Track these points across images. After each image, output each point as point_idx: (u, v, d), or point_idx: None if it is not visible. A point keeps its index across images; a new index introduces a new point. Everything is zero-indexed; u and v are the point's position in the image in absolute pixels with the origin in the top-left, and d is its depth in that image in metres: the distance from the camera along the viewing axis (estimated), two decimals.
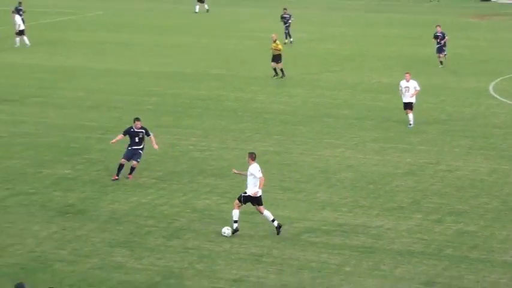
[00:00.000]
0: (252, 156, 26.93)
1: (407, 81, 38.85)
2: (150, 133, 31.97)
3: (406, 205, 29.42)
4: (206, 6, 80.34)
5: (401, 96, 39.28)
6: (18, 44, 61.60)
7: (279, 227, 26.65)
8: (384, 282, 23.39)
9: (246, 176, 26.89)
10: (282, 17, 62.03)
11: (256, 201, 26.65)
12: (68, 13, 79.42)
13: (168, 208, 29.09)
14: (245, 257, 25.10)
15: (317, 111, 42.54)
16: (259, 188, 26.48)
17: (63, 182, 31.79)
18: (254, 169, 26.60)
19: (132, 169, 31.72)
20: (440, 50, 53.43)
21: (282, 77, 49.93)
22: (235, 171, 27.95)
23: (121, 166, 31.55)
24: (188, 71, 52.34)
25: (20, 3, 66.71)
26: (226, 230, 26.60)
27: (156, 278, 23.76)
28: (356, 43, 63.68)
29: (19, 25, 61.79)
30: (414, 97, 38.90)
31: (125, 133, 31.80)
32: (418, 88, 38.91)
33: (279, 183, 31.69)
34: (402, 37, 65.70)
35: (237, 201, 26.81)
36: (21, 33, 61.87)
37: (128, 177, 31.69)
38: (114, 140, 32.22)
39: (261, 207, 26.71)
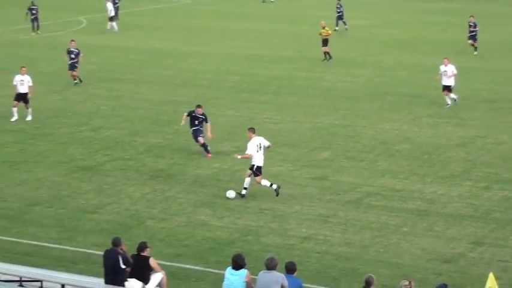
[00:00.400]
0: (252, 131, 27.10)
1: (446, 65, 38.20)
2: (208, 121, 31.22)
3: (457, 173, 29.06)
4: None
5: (440, 79, 38.61)
6: (109, 28, 61.70)
7: (277, 188, 26.56)
8: (437, 242, 23.15)
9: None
10: (336, 7, 61.36)
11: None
12: (160, 2, 79.48)
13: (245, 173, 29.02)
14: (313, 218, 25.00)
15: (378, 89, 42.15)
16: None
17: (154, 150, 31.90)
18: (260, 142, 26.86)
19: (205, 146, 31.10)
20: (472, 37, 52.12)
21: (328, 60, 49.29)
22: (238, 156, 27.41)
23: (203, 144, 31.03)
24: (264, 53, 52.11)
25: (32, 1, 66.61)
26: (232, 193, 26.62)
27: (235, 234, 23.77)
28: (413, 29, 62.91)
29: (110, 10, 61.87)
30: (452, 80, 38.16)
31: (188, 115, 31.41)
32: (455, 72, 38.14)
33: (344, 152, 31.46)
34: (454, 24, 64.67)
35: (248, 171, 26.81)
36: (111, 19, 61.94)
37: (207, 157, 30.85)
38: (182, 122, 31.78)
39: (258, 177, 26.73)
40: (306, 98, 40.29)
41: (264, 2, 79.17)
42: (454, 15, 69.37)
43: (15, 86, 35.73)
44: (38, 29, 59.69)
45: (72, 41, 42.55)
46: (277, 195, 26.45)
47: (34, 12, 59.90)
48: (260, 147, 26.92)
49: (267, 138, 27.50)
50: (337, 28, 60.44)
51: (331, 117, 36.34)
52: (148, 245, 18.96)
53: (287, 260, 17.92)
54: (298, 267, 17.65)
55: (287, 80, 44.65)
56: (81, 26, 63.62)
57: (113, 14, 61.91)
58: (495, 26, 62.62)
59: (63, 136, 33.77)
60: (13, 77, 36.13)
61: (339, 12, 61.10)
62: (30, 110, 35.48)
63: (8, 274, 19.54)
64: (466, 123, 35.81)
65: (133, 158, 30.84)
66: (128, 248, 19.35)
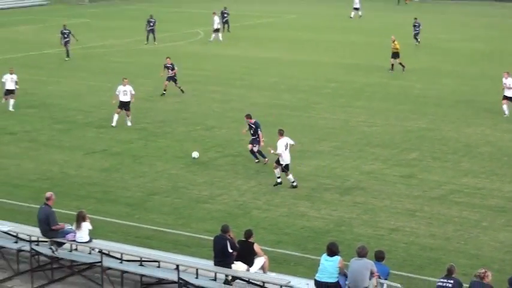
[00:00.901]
0: (280, 132, 27.30)
1: (506, 78, 37.25)
2: (259, 131, 30.27)
3: None
4: (360, 13, 78.73)
5: (503, 90, 37.59)
6: (211, 40, 62.05)
7: (295, 186, 26.90)
8: None
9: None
10: (413, 25, 60.24)
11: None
12: (266, 16, 79.70)
13: (341, 171, 28.93)
14: (402, 212, 24.76)
15: (463, 97, 41.46)
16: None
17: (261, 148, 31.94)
18: (287, 141, 27.09)
19: (259, 152, 30.26)
20: None
21: (403, 70, 48.53)
22: (272, 151, 27.40)
23: (251, 151, 30.23)
24: (360, 63, 51.77)
25: (225, 7, 67.29)
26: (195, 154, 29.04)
27: (330, 225, 23.70)
28: (493, 42, 61.64)
29: (217, 23, 62.27)
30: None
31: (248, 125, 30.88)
32: None
33: (431, 153, 31.05)
34: None
35: (275, 164, 27.15)
36: (216, 31, 62.30)
37: (265, 163, 29.94)
38: (243, 131, 31.12)
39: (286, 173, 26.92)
40: (397, 104, 39.90)
41: (351, 18, 78.20)
42: None
43: (117, 96, 35.37)
44: (154, 40, 60.28)
45: (168, 58, 42.25)
46: (293, 187, 26.82)
47: (151, 24, 60.66)
48: (287, 146, 27.01)
49: (292, 138, 27.84)
50: (418, 42, 59.81)
51: (419, 122, 35.90)
52: (253, 232, 19.05)
53: (376, 249, 17.87)
54: (386, 255, 17.57)
55: (380, 87, 44.29)
56: (199, 37, 64.18)
57: (218, 26, 62.27)
58: None
59: (180, 134, 34.17)
60: (116, 88, 35.82)
61: (415, 30, 59.98)
62: (130, 117, 35.34)
63: (130, 254, 19.90)
64: None
65: (241, 155, 30.98)
66: (235, 234, 19.47)
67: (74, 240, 20.23)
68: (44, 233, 20.38)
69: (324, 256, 17.33)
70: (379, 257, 17.32)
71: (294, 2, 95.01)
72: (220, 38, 62.31)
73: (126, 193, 26.53)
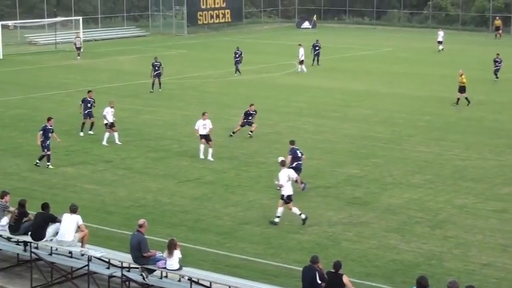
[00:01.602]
0: (282, 163, 27.20)
1: None
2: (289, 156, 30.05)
3: None
4: (441, 47, 77.73)
5: None
6: (299, 71, 62.35)
7: (305, 218, 26.37)
8: None
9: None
10: (494, 61, 58.74)
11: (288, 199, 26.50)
12: (365, 49, 79.56)
13: (434, 204, 28.56)
14: (494, 246, 24.31)
15: None
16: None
17: (352, 179, 31.85)
18: (289, 173, 26.73)
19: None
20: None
21: (467, 104, 47.69)
22: (276, 182, 27.08)
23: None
24: (453, 96, 51.01)
25: (317, 40, 67.37)
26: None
27: (420, 258, 23.40)
28: None
29: (302, 55, 62.48)
30: None
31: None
32: None
33: None
34: None
35: (281, 201, 26.51)
36: (301, 62, 62.58)
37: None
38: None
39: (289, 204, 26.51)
40: (492, 138, 39.22)
41: (439, 51, 77.34)
42: None
43: (197, 130, 35.35)
44: (238, 72, 60.57)
45: (251, 105, 41.28)
46: (303, 224, 26.20)
47: (237, 56, 61.15)
48: (289, 178, 26.54)
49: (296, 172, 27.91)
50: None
51: None
52: (342, 263, 18.94)
53: (467, 284, 17.51)
54: None
55: (475, 121, 43.64)
56: (294, 69, 64.42)
57: (303, 58, 62.49)
58: None
59: (273, 164, 34.18)
60: (196, 122, 35.71)
61: (497, 66, 58.34)
62: (211, 150, 35.12)
63: (219, 283, 20.01)
64: None
65: (333, 186, 30.90)
66: (324, 265, 19.40)
67: (165, 268, 20.46)
68: (136, 259, 20.68)
69: None
70: None
71: (388, 36, 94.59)
72: (305, 70, 62.53)
73: (217, 222, 26.70)
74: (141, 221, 21.07)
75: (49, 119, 34.05)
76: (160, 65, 53.11)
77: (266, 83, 57.21)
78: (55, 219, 22.10)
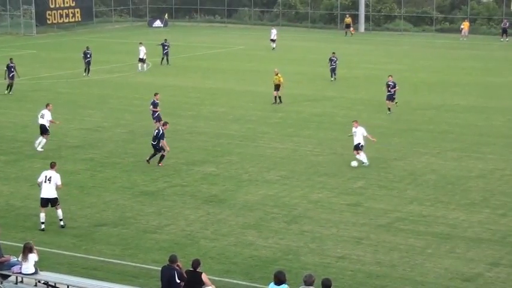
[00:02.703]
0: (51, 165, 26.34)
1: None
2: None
3: (477, 201, 28.83)
4: (273, 45, 78.85)
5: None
6: (139, 69, 62.44)
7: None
8: (458, 263, 22.97)
9: None
10: (330, 59, 58.79)
11: None
12: (217, 47, 79.90)
13: (289, 200, 29.02)
14: (348, 239, 24.90)
15: (408, 126, 41.93)
16: None
17: (209, 177, 31.99)
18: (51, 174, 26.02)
19: None
20: (390, 97, 45.57)
21: (276, 103, 48.34)
22: None
23: None
24: (308, 93, 52.02)
25: (165, 39, 67.11)
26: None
27: (278, 253, 23.73)
28: (441, 73, 62.40)
29: (144, 53, 62.47)
30: None
31: None
32: None
33: (376, 182, 31.33)
34: (476, 69, 64.30)
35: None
36: (142, 60, 62.63)
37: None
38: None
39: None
40: (344, 133, 40.04)
41: (273, 49, 78.70)
42: (477, 61, 69.02)
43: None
44: (88, 72, 59.55)
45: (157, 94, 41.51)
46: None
47: (88, 56, 59.71)
48: (49, 179, 25.77)
49: None
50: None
51: (366, 150, 36.05)
52: (200, 262, 19.00)
53: (323, 277, 17.84)
54: (333, 283, 17.53)
55: (327, 117, 44.58)
56: (148, 68, 64.06)
57: (144, 57, 62.46)
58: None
59: (128, 165, 34.00)
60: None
61: (332, 64, 58.05)
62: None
63: (77, 286, 19.70)
64: (486, 156, 35.45)
65: (189, 185, 30.94)
66: (183, 264, 19.41)
67: (20, 272, 20.00)
68: None
69: (272, 285, 17.33)
70: (326, 284, 17.32)
71: (240, 34, 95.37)
72: (145, 68, 62.55)
73: (73, 224, 26.27)
74: None
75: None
76: (14, 66, 51.71)
77: (119, 83, 56.72)
78: None
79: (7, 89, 51.17)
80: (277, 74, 48.86)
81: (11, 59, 53.16)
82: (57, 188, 25.96)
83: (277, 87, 48.61)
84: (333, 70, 57.66)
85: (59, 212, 25.92)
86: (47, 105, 37.14)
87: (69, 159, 34.67)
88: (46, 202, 25.74)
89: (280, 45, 79.06)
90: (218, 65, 66.71)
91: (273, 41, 78.74)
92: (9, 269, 20.16)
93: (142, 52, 62.46)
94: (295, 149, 36.81)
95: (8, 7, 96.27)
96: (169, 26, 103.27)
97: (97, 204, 28.44)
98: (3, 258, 20.24)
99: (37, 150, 35.85)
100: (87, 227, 25.98)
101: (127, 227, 26.03)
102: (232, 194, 29.77)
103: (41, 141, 36.11)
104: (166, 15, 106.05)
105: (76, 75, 59.68)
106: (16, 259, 20.33)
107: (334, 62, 57.67)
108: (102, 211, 27.63)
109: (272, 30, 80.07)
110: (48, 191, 25.80)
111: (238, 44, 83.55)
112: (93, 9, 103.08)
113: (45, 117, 36.35)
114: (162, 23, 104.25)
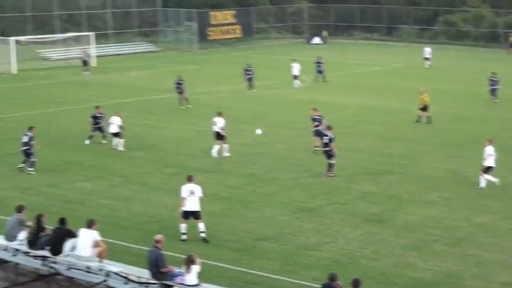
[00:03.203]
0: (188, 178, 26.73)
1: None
2: None
3: None
4: (428, 63, 77.21)
5: None
6: (295, 85, 62.84)
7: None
8: None
9: None
10: (490, 79, 56.41)
11: None
12: (374, 65, 79.47)
13: (451, 222, 28.39)
14: None
15: None
16: None
17: (368, 196, 31.72)
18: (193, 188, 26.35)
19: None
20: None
21: (426, 122, 47.46)
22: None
23: None
24: (469, 112, 50.81)
25: (319, 57, 67.17)
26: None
27: (439, 276, 23.26)
28: None
29: (296, 70, 63.00)
30: None
31: None
32: None
33: None
34: None
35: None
36: (295, 77, 63.19)
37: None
38: None
39: None
40: (510, 155, 38.79)
41: (426, 68, 76.94)
42: None
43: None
44: (251, 88, 60.49)
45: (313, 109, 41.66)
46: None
47: (249, 73, 60.97)
48: (193, 193, 26.20)
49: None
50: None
51: None
52: (360, 281, 18.83)
53: None
54: None
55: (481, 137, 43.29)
56: (305, 85, 64.39)
57: (297, 73, 62.93)
58: None
59: (287, 180, 34.15)
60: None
61: (493, 85, 55.84)
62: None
63: None
64: None
65: (348, 203, 30.77)
66: (343, 282, 19.27)
67: (182, 283, 20.35)
68: (153, 275, 20.60)
69: None
70: None
71: (399, 51, 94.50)
72: (299, 84, 62.96)
73: (234, 238, 26.58)
74: (158, 237, 21.01)
75: (31, 128, 35.46)
76: (183, 82, 53.26)
77: (279, 99, 57.17)
78: (73, 234, 22.04)
79: (181, 104, 52.76)
80: (423, 94, 48.03)
81: (179, 76, 54.62)
82: (200, 200, 26.39)
83: (423, 107, 47.83)
84: (493, 91, 55.62)
85: (201, 225, 26.28)
86: (219, 114, 38.54)
87: (231, 173, 35.15)
88: (189, 215, 26.18)
89: (440, 63, 77.88)
90: (376, 83, 66.27)
91: (426, 59, 77.58)
92: (172, 279, 20.53)
93: (296, 69, 62.86)
94: (457, 169, 36.00)
95: (171, 23, 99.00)
96: (328, 43, 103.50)
97: (257, 219, 28.67)
98: (166, 269, 20.65)
99: (212, 156, 37.95)
100: (248, 241, 26.21)
101: (287, 242, 26.10)
102: (392, 213, 29.40)
103: (219, 149, 38.21)
104: (325, 32, 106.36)
105: (236, 91, 60.59)
106: (179, 270, 20.68)
107: (495, 83, 55.67)
108: (263, 226, 27.82)
109: (425, 49, 78.88)
110: (193, 204, 26.16)
111: (396, 61, 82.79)
112: (253, 26, 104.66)
113: (218, 124, 37.99)
114: (321, 40, 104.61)
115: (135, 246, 25.40)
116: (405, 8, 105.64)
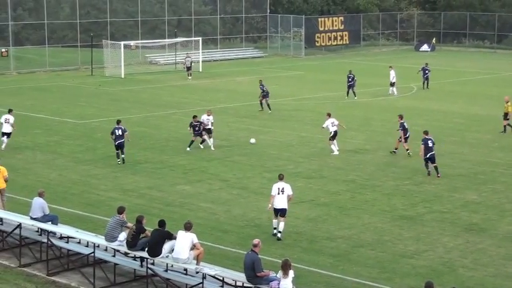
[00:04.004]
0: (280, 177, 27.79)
1: None
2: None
3: None
4: None
5: None
6: (389, 92, 62.50)
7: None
8: None
9: None
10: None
11: None
12: (483, 73, 78.12)
13: None
14: None
15: None
16: None
17: (470, 205, 31.26)
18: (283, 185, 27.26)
19: None
20: None
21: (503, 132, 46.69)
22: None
23: None
24: None
25: (426, 63, 66.34)
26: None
27: None
28: None
29: (393, 77, 62.35)
30: None
31: None
32: None
33: None
34: None
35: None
36: (392, 84, 62.48)
37: None
38: None
39: None
40: None
41: None
42: None
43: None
44: (354, 96, 60.24)
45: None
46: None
47: (350, 80, 60.65)
48: (282, 191, 26.88)
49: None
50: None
51: None
52: None
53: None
54: None
55: None
56: (412, 92, 63.85)
57: (394, 80, 62.21)
58: None
59: (388, 188, 33.93)
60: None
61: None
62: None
63: None
64: None
65: (449, 212, 30.38)
66: None
67: None
68: (249, 279, 20.74)
69: None
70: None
71: (510, 60, 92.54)
72: (395, 92, 62.07)
73: (331, 244, 26.58)
74: (255, 241, 21.16)
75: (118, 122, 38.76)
76: (264, 87, 53.78)
77: (383, 106, 56.83)
78: (171, 236, 22.40)
79: (261, 106, 53.44)
80: (507, 102, 47.01)
81: (260, 80, 54.97)
82: (289, 198, 27.17)
83: (505, 115, 46.85)
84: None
85: (282, 224, 26.89)
86: (328, 114, 40.97)
87: (331, 179, 35.16)
88: (277, 212, 27.03)
89: None
90: (485, 91, 65.13)
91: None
92: (268, 284, 20.64)
93: (392, 75, 62.33)
94: None
95: (279, 29, 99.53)
96: (437, 50, 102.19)
97: (356, 225, 28.59)
98: (263, 273, 20.77)
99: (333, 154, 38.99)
100: (345, 248, 26.18)
101: (384, 250, 25.96)
102: (494, 223, 28.89)
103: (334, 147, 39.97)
104: (434, 39, 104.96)
105: (340, 97, 60.46)
106: (275, 275, 20.79)
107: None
108: (361, 233, 27.74)
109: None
110: (281, 202, 26.96)
111: (507, 70, 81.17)
112: (361, 33, 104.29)
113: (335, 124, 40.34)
114: (429, 47, 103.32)
115: (233, 249, 25.69)
116: None
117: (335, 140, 40.18)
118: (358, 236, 27.36)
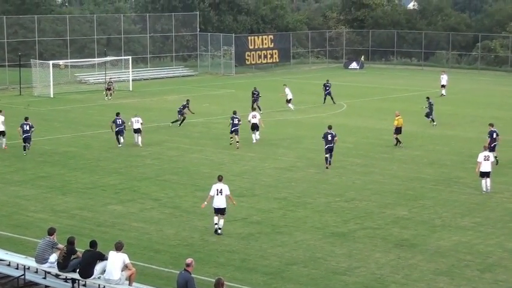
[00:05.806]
0: (218, 178, 30.59)
1: None
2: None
3: None
4: (443, 91, 75.47)
5: None
6: (287, 108, 63.40)
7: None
8: None
9: None
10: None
11: None
12: (411, 90, 79.29)
13: (484, 247, 28.19)
14: None
15: None
16: None
17: (400, 221, 31.61)
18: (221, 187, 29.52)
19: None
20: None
21: (396, 144, 48.14)
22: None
23: None
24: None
25: (327, 80, 67.62)
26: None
27: None
28: None
29: (288, 94, 63.47)
30: None
31: None
32: None
33: None
34: None
35: None
36: (288, 101, 63.52)
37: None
38: None
39: None
40: None
41: (441, 96, 76.09)
42: None
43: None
44: (259, 109, 60.88)
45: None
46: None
47: (255, 96, 61.82)
48: (220, 192, 29.34)
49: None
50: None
51: None
52: None
53: None
54: None
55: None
56: (341, 110, 64.45)
57: (290, 97, 63.39)
58: None
59: (320, 205, 34.14)
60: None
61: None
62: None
63: None
64: None
65: (381, 228, 30.67)
66: None
67: None
68: None
69: None
70: None
71: (436, 77, 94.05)
72: (292, 108, 63.36)
73: (264, 262, 26.59)
74: (188, 260, 21.07)
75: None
76: (184, 107, 55.13)
77: (314, 123, 57.15)
78: (103, 257, 22.21)
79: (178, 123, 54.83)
80: (397, 116, 47.99)
81: (187, 99, 54.94)
82: (229, 198, 29.53)
83: (397, 129, 48.02)
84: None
85: (222, 221, 29.43)
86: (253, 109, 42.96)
87: (263, 197, 35.25)
88: (216, 211, 29.46)
89: (479, 88, 77.49)
90: (413, 108, 65.96)
91: (443, 86, 75.67)
92: None
93: (287, 92, 63.50)
94: (491, 195, 35.76)
95: (209, 47, 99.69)
96: (366, 68, 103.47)
97: (288, 243, 28.67)
98: None
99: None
100: (278, 265, 26.21)
101: (317, 267, 26.07)
102: (424, 238, 29.27)
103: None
104: (363, 57, 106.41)
105: (271, 115, 60.71)
106: None
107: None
108: (293, 250, 27.82)
109: (442, 76, 76.45)
110: (220, 202, 29.40)
111: (434, 86, 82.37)
112: (291, 51, 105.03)
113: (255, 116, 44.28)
114: (358, 65, 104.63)
115: (166, 269, 25.52)
116: (443, 34, 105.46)
117: (257, 131, 46.35)
118: (291, 254, 27.43)
